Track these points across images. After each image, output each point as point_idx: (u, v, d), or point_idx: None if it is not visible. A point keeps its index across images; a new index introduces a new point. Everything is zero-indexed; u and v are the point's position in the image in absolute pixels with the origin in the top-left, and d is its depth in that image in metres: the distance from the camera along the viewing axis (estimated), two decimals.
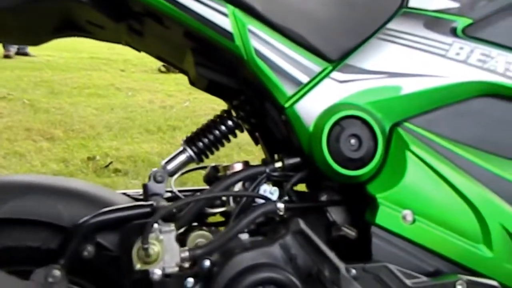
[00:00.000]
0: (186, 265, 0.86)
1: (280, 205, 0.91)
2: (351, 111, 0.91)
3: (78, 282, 0.95)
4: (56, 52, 6.95)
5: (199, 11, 0.85)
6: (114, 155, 3.11)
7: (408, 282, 0.86)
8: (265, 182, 0.97)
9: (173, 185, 1.07)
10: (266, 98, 0.94)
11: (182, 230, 0.97)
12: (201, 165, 1.11)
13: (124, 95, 4.88)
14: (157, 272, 0.82)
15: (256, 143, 1.18)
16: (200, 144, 1.04)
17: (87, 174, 2.78)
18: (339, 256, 0.92)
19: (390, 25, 0.94)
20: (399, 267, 0.87)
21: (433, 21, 0.94)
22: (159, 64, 5.75)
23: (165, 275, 0.83)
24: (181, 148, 1.05)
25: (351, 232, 0.96)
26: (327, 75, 0.92)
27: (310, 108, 0.92)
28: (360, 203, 0.96)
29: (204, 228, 0.98)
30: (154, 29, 0.97)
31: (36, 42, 1.06)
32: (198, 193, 0.96)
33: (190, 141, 1.05)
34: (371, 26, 0.95)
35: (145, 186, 1.00)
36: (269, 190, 0.97)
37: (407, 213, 0.91)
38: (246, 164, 1.02)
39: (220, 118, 1.06)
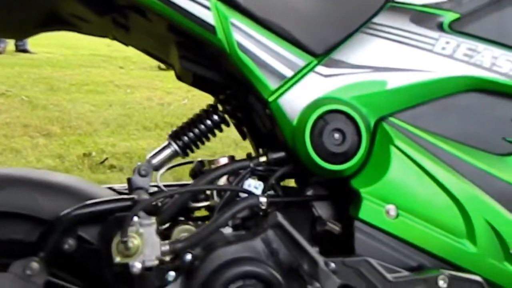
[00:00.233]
0: (167, 258, 0.86)
1: (263, 199, 0.91)
2: (335, 105, 0.90)
3: (59, 275, 0.95)
4: (56, 49, 6.96)
5: (181, 4, 0.85)
6: (110, 151, 3.12)
7: (389, 276, 0.85)
8: (250, 177, 0.97)
9: (159, 179, 1.06)
10: (250, 92, 0.94)
11: (167, 224, 0.97)
12: (190, 159, 1.10)
13: (123, 92, 4.88)
14: (136, 265, 0.82)
15: (244, 137, 1.17)
16: (185, 138, 1.03)
17: (82, 170, 2.79)
18: (325, 251, 0.92)
19: (376, 20, 0.94)
20: (381, 261, 0.86)
21: (420, 15, 0.94)
22: None
23: (145, 268, 0.83)
24: (166, 142, 1.05)
25: (335, 227, 0.96)
26: (311, 69, 0.92)
27: (294, 102, 0.91)
28: (345, 198, 0.95)
29: (190, 222, 0.98)
30: (138, 22, 0.96)
31: (21, 36, 1.06)
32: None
33: (175, 135, 1.04)
34: (357, 20, 0.94)
35: (129, 180, 1.00)
36: (253, 185, 0.96)
37: (391, 207, 0.90)
38: (231, 158, 1.01)
39: (206, 113, 1.05)
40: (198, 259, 0.85)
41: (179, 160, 1.10)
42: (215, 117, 1.04)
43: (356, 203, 0.91)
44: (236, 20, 0.88)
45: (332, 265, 0.82)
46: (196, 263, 0.85)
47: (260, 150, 1.04)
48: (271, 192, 0.97)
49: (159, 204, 0.97)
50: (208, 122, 1.04)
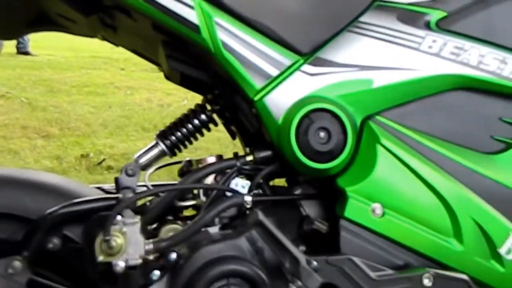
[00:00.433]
0: (152, 257, 0.86)
1: (248, 198, 0.91)
2: (320, 104, 0.90)
3: (44, 274, 0.95)
4: (58, 51, 6.98)
5: (164, 3, 0.85)
6: (108, 152, 3.12)
7: (372, 274, 0.85)
8: (237, 176, 0.97)
9: (147, 179, 1.06)
10: (236, 91, 0.94)
11: (155, 224, 0.97)
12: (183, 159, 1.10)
13: (123, 94, 4.89)
14: (120, 264, 0.82)
15: (233, 137, 1.17)
16: (173, 138, 1.03)
17: (80, 171, 2.79)
18: (313, 250, 0.92)
19: (363, 18, 0.94)
20: (364, 260, 0.86)
21: (407, 14, 0.94)
22: None
23: (129, 267, 0.83)
24: (153, 142, 1.04)
25: (322, 226, 0.95)
26: (297, 68, 0.92)
27: (280, 101, 0.91)
28: (333, 197, 0.95)
29: (178, 222, 0.98)
30: (125, 22, 0.97)
31: (10, 36, 1.06)
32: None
33: (162, 135, 1.04)
34: (344, 19, 0.94)
35: (116, 180, 1.00)
36: (241, 184, 0.96)
37: (377, 206, 0.90)
38: (219, 157, 1.01)
39: (194, 112, 1.05)
40: (182, 258, 0.85)
41: (176, 159, 1.10)
42: (203, 116, 1.04)
43: (342, 201, 0.91)
44: (220, 19, 0.88)
45: (314, 263, 0.82)
46: (181, 262, 0.85)
47: (247, 149, 1.04)
48: (258, 191, 0.97)
49: (147, 203, 0.97)
50: (196, 121, 1.04)
